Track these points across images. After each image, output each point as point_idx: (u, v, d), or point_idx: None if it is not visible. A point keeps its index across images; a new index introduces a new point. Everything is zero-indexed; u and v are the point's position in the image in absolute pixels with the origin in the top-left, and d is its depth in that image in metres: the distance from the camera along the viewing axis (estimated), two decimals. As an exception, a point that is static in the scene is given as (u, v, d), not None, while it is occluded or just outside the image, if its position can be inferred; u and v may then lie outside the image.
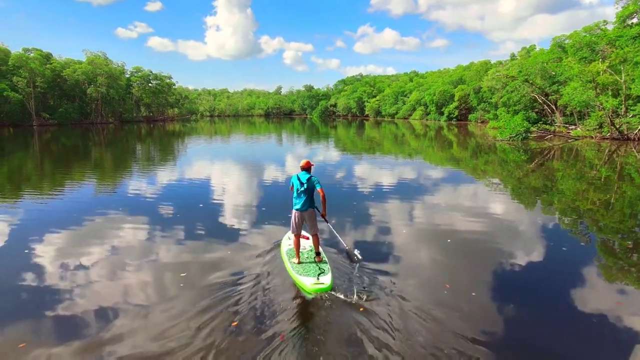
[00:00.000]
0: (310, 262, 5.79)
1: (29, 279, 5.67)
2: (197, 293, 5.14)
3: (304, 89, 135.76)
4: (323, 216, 5.86)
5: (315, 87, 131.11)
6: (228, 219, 8.81)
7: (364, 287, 5.22)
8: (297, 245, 5.84)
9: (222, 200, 10.77)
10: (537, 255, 6.67)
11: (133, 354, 3.92)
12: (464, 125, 53.29)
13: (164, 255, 6.55)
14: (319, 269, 5.54)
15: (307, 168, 5.85)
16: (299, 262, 5.77)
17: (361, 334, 4.19)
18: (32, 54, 58.47)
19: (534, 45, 53.74)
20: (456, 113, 64.24)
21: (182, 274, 5.72)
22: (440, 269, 6.13)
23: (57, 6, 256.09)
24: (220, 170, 16.49)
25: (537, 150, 23.12)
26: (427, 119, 71.84)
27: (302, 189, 5.68)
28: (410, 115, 78.41)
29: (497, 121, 40.91)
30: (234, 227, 8.16)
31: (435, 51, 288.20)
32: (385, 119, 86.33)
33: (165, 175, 14.89)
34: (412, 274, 5.85)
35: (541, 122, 37.58)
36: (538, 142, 27.14)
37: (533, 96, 38.33)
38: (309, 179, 5.71)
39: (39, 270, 5.96)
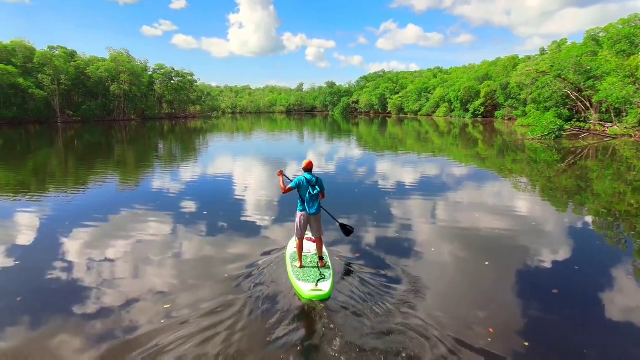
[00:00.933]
0: (312, 267, 5.57)
1: (57, 271, 5.82)
2: (200, 294, 5.06)
3: (325, 85, 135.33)
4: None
5: (337, 84, 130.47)
6: (244, 215, 8.75)
7: (369, 294, 5.01)
8: (301, 248, 5.67)
9: (241, 197, 10.76)
10: (568, 259, 6.34)
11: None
12: (489, 123, 51.81)
13: (179, 252, 6.61)
14: (320, 274, 5.30)
15: (310, 168, 5.65)
16: (301, 266, 5.57)
17: (362, 342, 4.01)
18: (57, 52, 59.75)
19: (565, 39, 51.48)
20: (482, 110, 62.57)
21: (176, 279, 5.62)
22: (462, 268, 5.95)
23: (85, 5, 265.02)
24: (242, 167, 16.56)
25: (571, 149, 22.07)
26: (451, 116, 70.30)
27: (315, 193, 5.48)
28: (434, 112, 76.91)
29: (526, 118, 39.60)
30: (249, 224, 8.09)
31: (459, 47, 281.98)
32: (408, 116, 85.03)
33: (187, 172, 15.10)
34: (431, 274, 5.70)
35: (575, 120, 36.04)
36: (572, 141, 25.92)
37: (565, 92, 36.78)
38: (317, 182, 5.56)
39: (65, 263, 6.12)
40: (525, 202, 10.16)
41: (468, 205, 9.77)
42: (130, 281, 5.54)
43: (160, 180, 13.59)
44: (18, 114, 51.99)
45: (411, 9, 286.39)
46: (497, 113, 59.99)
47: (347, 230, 6.24)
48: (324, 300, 4.82)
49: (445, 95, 73.13)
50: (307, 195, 5.47)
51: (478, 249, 6.79)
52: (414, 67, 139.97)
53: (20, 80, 50.66)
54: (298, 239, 5.65)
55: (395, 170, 15.36)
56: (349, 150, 23.93)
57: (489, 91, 60.82)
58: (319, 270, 5.45)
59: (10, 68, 49.68)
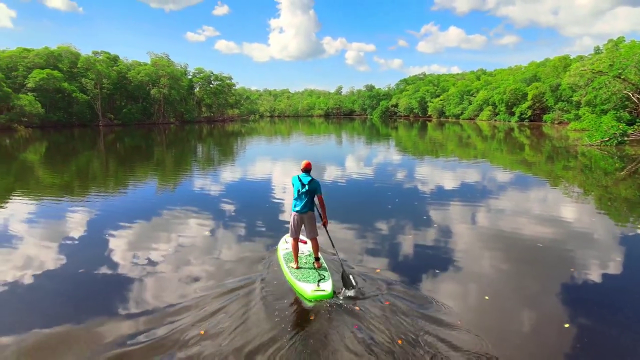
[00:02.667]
0: (309, 268, 5.55)
1: (102, 268, 5.99)
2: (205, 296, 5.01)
3: (364, 88, 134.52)
4: (324, 224, 5.60)
5: (376, 87, 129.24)
6: (280, 217, 8.50)
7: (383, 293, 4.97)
8: (296, 249, 5.65)
9: (279, 199, 10.69)
10: (622, 275, 5.66)
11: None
12: (537, 127, 49.04)
13: (212, 252, 6.60)
14: (319, 274, 5.30)
15: (308, 169, 5.62)
16: (297, 267, 5.56)
17: (363, 341, 3.99)
18: (100, 57, 62.13)
19: (623, 37, 47.69)
20: (529, 113, 59.41)
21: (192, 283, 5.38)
22: (503, 278, 5.51)
23: (133, 13, 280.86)
24: (280, 170, 16.56)
25: (634, 156, 19.97)
26: (495, 120, 67.35)
27: (303, 190, 5.46)
28: (477, 115, 74.09)
29: (579, 122, 36.99)
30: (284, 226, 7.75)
31: (503, 49, 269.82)
32: (449, 119, 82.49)
33: (224, 175, 15.36)
34: (468, 281, 5.45)
35: (638, 124, 33.10)
36: (633, 147, 23.57)
37: (626, 94, 33.89)
38: (310, 181, 5.49)
39: (110, 260, 6.28)
40: (577, 212, 9.28)
41: (511, 213, 9.04)
42: (150, 275, 5.76)
43: (197, 182, 13.85)
44: (63, 117, 54.21)
45: (452, 11, 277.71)
46: (545, 117, 56.70)
47: (347, 282, 5.03)
48: (328, 299, 4.84)
49: (489, 98, 70.24)
50: (296, 192, 5.52)
51: (521, 258, 6.25)
52: (455, 70, 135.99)
53: (65, 84, 52.91)
54: (293, 239, 5.65)
55: (434, 174, 14.70)
56: (388, 154, 23.40)
57: (537, 93, 57.71)
58: (317, 271, 5.45)
59: (55, 73, 51.95)
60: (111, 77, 59.70)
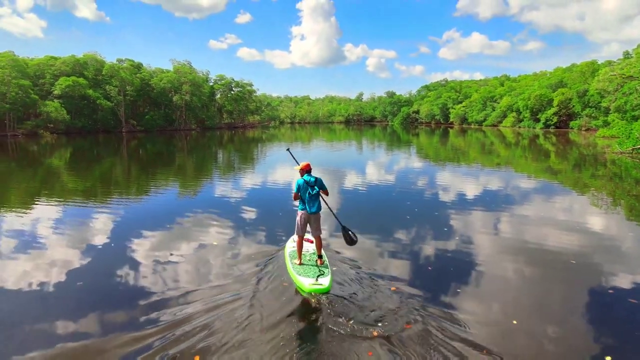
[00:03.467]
0: (311, 265, 5.79)
1: (124, 270, 6.13)
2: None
3: (385, 95, 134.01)
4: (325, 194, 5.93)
5: (397, 94, 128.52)
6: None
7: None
8: (300, 246, 5.90)
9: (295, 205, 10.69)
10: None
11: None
12: (563, 134, 47.67)
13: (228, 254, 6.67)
14: (319, 270, 5.56)
15: (308, 170, 5.88)
16: (300, 263, 5.79)
17: (360, 334, 4.17)
18: (124, 64, 63.58)
19: (655, 41, 45.67)
20: (555, 120, 57.83)
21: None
22: (526, 288, 5.27)
23: (158, 22, 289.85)
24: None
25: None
26: (519, 127, 65.84)
27: (314, 192, 5.73)
28: (500, 122, 72.64)
29: (608, 129, 35.75)
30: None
31: (527, 55, 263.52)
32: (472, 126, 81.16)
33: (247, 180, 15.47)
34: (493, 301, 5.13)
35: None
36: (663, 154, 22.59)
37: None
38: (316, 181, 5.77)
39: (132, 263, 6.43)
40: (608, 223, 8.96)
41: (539, 224, 8.72)
42: (157, 273, 6.03)
43: (217, 188, 14.04)
44: (87, 124, 55.49)
45: (475, 17, 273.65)
46: (572, 123, 55.14)
47: (350, 238, 5.92)
48: (325, 293, 5.07)
49: (513, 104, 68.81)
50: (307, 195, 5.74)
51: (553, 277, 5.92)
52: (478, 76, 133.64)
53: (90, 91, 54.35)
54: (298, 236, 5.88)
55: (455, 183, 14.43)
56: (408, 161, 23.23)
57: (563, 99, 56.19)
58: (318, 267, 5.68)
59: (81, 80, 53.43)
60: (134, 84, 60.99)
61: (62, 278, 5.82)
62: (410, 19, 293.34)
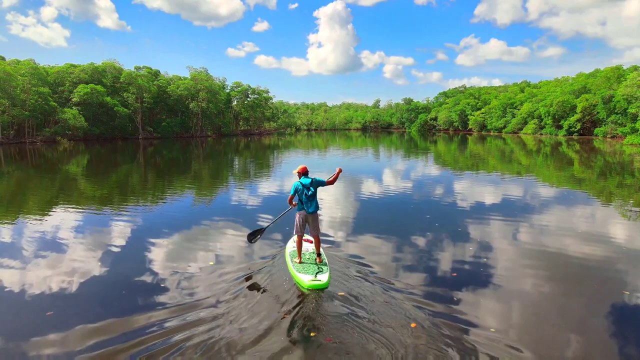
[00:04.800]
0: (311, 263, 6.06)
1: (141, 275, 6.24)
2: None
3: (402, 102, 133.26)
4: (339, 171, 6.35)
5: (415, 100, 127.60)
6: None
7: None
8: (300, 245, 6.18)
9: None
10: None
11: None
12: (587, 141, 46.27)
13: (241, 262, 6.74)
14: (318, 268, 5.84)
15: (305, 173, 6.24)
16: (300, 262, 6.07)
17: (356, 326, 4.43)
18: (142, 71, 64.55)
19: (682, 45, 44.07)
20: (578, 126, 56.22)
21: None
22: (545, 300, 5.14)
23: (177, 31, 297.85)
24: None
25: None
26: (540, 134, 64.35)
27: (310, 193, 6.07)
28: (521, 129, 71.16)
29: (636, 136, 34.43)
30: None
31: (547, 61, 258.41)
32: (491, 133, 79.81)
33: (262, 188, 15.48)
34: (507, 303, 5.10)
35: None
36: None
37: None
38: (311, 182, 6.10)
39: (148, 268, 6.57)
40: (633, 232, 8.56)
41: (557, 230, 8.47)
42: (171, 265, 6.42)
43: (232, 194, 14.21)
44: (105, 131, 56.43)
45: (493, 24, 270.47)
46: (596, 130, 53.55)
47: (253, 237, 6.83)
48: (323, 289, 5.41)
49: (534, 111, 67.38)
50: (304, 196, 6.09)
51: (566, 279, 5.71)
52: (497, 83, 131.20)
53: (108, 99, 55.28)
54: (297, 236, 6.19)
55: (479, 194, 14.07)
56: (426, 168, 22.92)
57: (587, 105, 54.68)
58: (317, 265, 5.96)
59: (99, 87, 54.34)
60: (152, 91, 61.77)
61: (77, 283, 5.93)
62: (428, 25, 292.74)
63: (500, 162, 26.57)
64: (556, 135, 59.74)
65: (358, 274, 6.00)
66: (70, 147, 42.32)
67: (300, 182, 6.12)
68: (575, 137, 55.57)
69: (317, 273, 5.63)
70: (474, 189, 14.64)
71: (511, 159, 28.86)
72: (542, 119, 64.97)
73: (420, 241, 8.01)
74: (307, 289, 5.39)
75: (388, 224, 9.56)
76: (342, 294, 5.28)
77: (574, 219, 10.06)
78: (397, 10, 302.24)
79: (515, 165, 23.92)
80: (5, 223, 9.85)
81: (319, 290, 5.38)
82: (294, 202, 6.18)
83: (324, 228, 8.89)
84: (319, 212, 6.31)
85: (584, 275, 6.20)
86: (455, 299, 5.29)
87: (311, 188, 6.07)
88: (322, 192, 14.12)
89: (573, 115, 56.96)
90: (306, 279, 5.48)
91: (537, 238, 8.26)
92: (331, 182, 6.28)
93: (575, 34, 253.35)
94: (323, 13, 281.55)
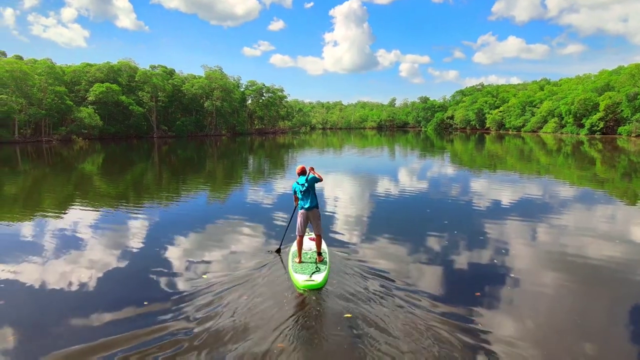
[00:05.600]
0: (310, 262, 6.10)
1: (158, 270, 6.41)
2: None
3: (418, 100, 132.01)
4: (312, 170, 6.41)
5: (431, 99, 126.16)
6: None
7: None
8: (300, 245, 6.26)
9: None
10: None
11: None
12: (610, 140, 45.14)
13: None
14: (316, 268, 5.85)
15: (302, 172, 6.43)
16: (300, 262, 6.12)
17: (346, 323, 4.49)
18: (157, 70, 64.97)
19: None
20: (601, 125, 54.83)
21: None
22: (565, 302, 5.01)
23: (194, 30, 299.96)
24: (332, 182, 16.60)
25: None
26: (561, 132, 62.95)
27: (304, 188, 6.24)
28: (540, 128, 69.78)
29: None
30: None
31: (567, 58, 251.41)
32: (510, 132, 78.44)
33: (278, 187, 15.45)
34: (524, 305, 4.94)
35: None
36: None
37: None
38: (306, 179, 6.28)
39: (166, 263, 6.75)
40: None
41: (578, 233, 8.28)
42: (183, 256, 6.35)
43: (246, 193, 14.26)
44: (120, 129, 57.04)
45: (511, 21, 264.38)
46: (620, 129, 52.15)
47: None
48: (317, 289, 5.40)
49: (555, 109, 65.98)
50: (300, 193, 6.31)
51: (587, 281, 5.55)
52: (515, 81, 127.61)
53: (123, 97, 55.81)
54: (298, 236, 6.27)
55: (490, 189, 13.87)
56: (442, 167, 22.72)
57: (610, 103, 53.25)
58: (316, 265, 5.98)
59: (114, 86, 54.88)
60: (166, 90, 62.09)
61: (94, 278, 6.10)
62: (444, 23, 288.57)
63: (519, 161, 26.08)
64: (577, 134, 58.35)
65: (362, 274, 5.91)
66: (85, 146, 42.76)
67: (297, 182, 6.37)
68: (597, 136, 54.20)
69: (313, 273, 5.64)
70: (491, 189, 14.37)
71: (530, 158, 28.30)
72: (562, 118, 63.56)
73: (431, 243, 7.83)
74: (302, 289, 5.39)
75: (399, 225, 9.46)
76: (340, 294, 5.24)
77: (599, 221, 9.86)
78: (413, 8, 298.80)
79: (534, 165, 23.47)
80: (25, 220, 10.05)
81: (315, 290, 5.36)
82: (294, 197, 6.48)
83: (335, 226, 8.96)
84: (318, 209, 6.35)
85: (608, 282, 6.02)
86: (469, 304, 5.14)
87: (305, 184, 6.24)
88: (337, 191, 14.22)
89: (595, 114, 55.56)
90: (301, 279, 5.50)
91: (560, 241, 8.02)
92: (320, 179, 6.41)
93: (596, 31, 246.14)
94: (339, 12, 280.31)
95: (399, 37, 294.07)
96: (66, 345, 4.21)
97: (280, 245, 7.04)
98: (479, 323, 4.60)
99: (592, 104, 57.05)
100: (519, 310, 5.01)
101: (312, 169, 6.43)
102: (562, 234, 8.50)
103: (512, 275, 6.12)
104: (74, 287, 5.76)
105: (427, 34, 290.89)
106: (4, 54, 61.60)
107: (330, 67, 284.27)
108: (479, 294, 5.45)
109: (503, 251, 7.25)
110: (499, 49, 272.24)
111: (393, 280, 5.75)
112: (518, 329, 4.51)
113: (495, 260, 6.77)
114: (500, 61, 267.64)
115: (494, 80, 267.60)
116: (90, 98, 53.48)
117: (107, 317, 4.83)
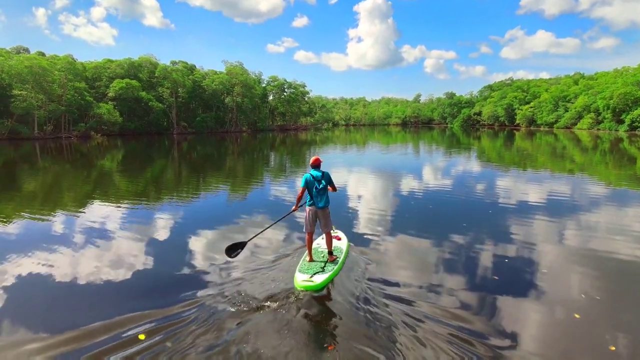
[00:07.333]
0: (320, 261, 5.78)
1: (182, 266, 6.40)
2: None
3: (444, 96, 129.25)
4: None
5: (458, 95, 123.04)
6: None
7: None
8: (310, 243, 5.93)
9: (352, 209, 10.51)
10: None
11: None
12: (652, 137, 42.11)
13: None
14: (322, 268, 5.52)
15: (317, 165, 5.96)
16: (310, 260, 5.82)
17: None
18: (178, 66, 65.00)
19: None
20: (642, 121, 51.35)
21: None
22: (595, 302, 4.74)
23: (219, 28, 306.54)
24: (355, 180, 16.06)
25: None
26: (598, 129, 60.24)
27: (321, 187, 5.78)
28: (575, 124, 67.02)
29: None
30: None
31: (599, 52, 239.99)
32: (541, 128, 75.70)
33: (295, 183, 15.13)
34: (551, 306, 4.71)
35: None
36: None
37: None
38: (323, 176, 5.84)
39: (188, 259, 6.74)
40: None
41: (614, 235, 7.68)
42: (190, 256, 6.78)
43: (267, 191, 14.03)
44: (139, 125, 57.17)
45: (540, 15, 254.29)
46: (663, 125, 48.68)
47: (233, 251, 5.76)
48: (315, 290, 5.08)
49: (591, 104, 63.17)
50: (314, 190, 5.80)
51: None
52: (544, 76, 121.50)
53: (143, 93, 55.96)
54: (307, 233, 5.93)
55: (520, 187, 13.25)
56: (468, 164, 21.96)
57: (652, 98, 49.82)
58: (325, 264, 5.68)
59: (134, 82, 54.89)
60: (186, 86, 61.93)
61: (115, 274, 6.10)
62: (471, 18, 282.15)
63: (551, 159, 24.91)
64: (616, 130, 55.65)
65: (375, 284, 5.41)
66: (105, 142, 42.84)
67: (311, 174, 5.82)
68: (638, 132, 51.20)
69: (315, 273, 5.32)
70: (521, 188, 13.72)
71: (563, 156, 27.05)
72: (599, 113, 60.81)
73: (451, 245, 7.32)
74: (299, 290, 5.09)
75: (421, 226, 8.93)
76: (340, 297, 5.03)
77: (631, 220, 9.15)
78: (438, 4, 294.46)
79: (567, 163, 22.31)
80: (46, 216, 10.04)
81: (313, 292, 5.05)
82: (300, 189, 5.93)
83: (356, 225, 8.67)
84: (329, 207, 5.98)
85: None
86: (488, 309, 4.80)
87: (322, 181, 5.77)
88: (359, 188, 13.92)
89: (636, 109, 52.60)
90: (301, 278, 5.23)
91: (592, 244, 7.56)
92: (335, 190, 6.08)
93: (630, 24, 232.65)
94: (363, 7, 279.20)
95: (424, 33, 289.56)
96: (86, 338, 4.28)
97: (233, 253, 5.79)
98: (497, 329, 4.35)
99: (632, 98, 54.26)
100: (548, 330, 4.56)
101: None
102: (596, 237, 7.90)
103: (542, 283, 5.62)
104: (95, 283, 5.78)
105: (453, 29, 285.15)
106: (27, 50, 62.73)
107: (354, 63, 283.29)
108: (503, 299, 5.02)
109: (535, 257, 6.72)
110: (528, 44, 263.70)
111: (412, 301, 4.93)
112: (543, 342, 4.10)
113: (524, 267, 6.25)
114: (529, 56, 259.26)
115: (522, 75, 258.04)
116: (110, 94, 53.74)
117: (126, 312, 4.79)
